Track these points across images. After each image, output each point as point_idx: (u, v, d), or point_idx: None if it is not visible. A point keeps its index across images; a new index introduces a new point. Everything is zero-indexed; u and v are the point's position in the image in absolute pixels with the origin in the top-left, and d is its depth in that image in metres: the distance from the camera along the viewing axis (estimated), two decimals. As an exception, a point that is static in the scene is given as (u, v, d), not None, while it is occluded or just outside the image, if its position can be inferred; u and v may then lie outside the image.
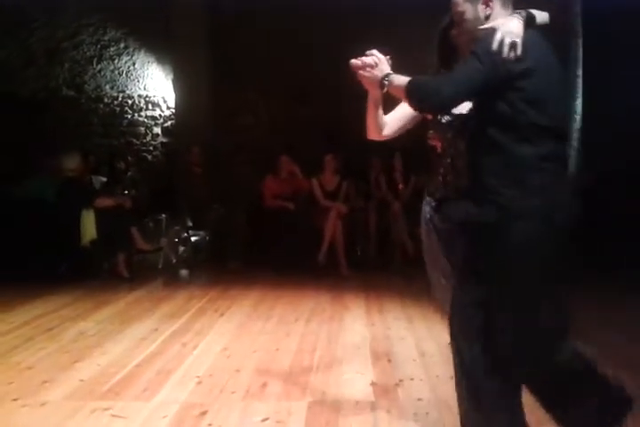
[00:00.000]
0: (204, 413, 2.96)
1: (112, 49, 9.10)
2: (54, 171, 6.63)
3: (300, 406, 3.04)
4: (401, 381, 3.35)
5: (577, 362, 2.24)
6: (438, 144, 2.65)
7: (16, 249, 6.20)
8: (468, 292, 2.17)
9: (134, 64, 9.13)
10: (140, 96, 9.16)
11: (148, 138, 9.20)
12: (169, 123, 9.15)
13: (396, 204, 7.06)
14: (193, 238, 7.45)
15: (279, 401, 3.11)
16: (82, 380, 3.40)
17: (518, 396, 2.19)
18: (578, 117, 8.53)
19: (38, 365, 3.66)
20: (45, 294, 5.52)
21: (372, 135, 2.59)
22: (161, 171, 8.76)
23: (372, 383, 3.33)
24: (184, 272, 6.97)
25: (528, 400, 2.29)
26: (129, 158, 8.01)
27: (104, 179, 7.31)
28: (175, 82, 8.80)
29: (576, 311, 5.05)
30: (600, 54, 7.99)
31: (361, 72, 2.28)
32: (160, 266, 7.02)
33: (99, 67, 9.11)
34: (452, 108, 2.27)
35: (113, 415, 2.93)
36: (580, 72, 8.54)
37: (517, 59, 2.01)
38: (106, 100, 9.15)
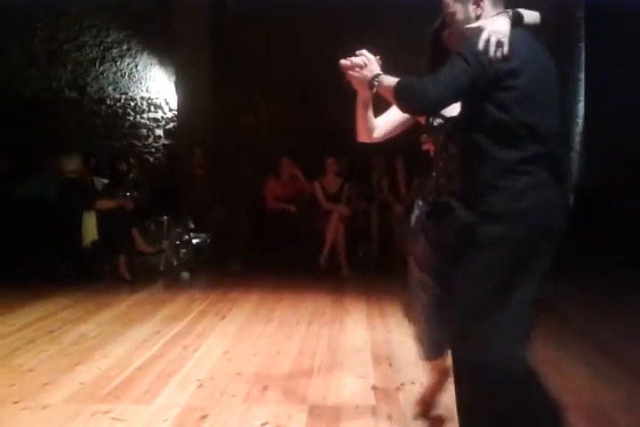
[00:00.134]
0: (204, 416, 2.96)
1: (115, 51, 9.12)
2: (55, 172, 6.64)
3: (300, 410, 3.04)
4: (402, 385, 3.35)
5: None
6: (431, 148, 2.62)
7: (17, 250, 6.21)
8: (456, 293, 2.17)
9: (137, 66, 9.14)
10: (142, 98, 9.17)
11: (150, 140, 9.21)
12: (171, 125, 9.16)
13: (398, 206, 7.06)
14: (194, 241, 7.44)
15: (280, 405, 3.11)
16: (82, 383, 3.40)
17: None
18: (580, 121, 8.55)
19: (39, 367, 3.65)
20: (46, 295, 5.52)
21: (362, 138, 2.56)
22: (163, 173, 8.77)
23: (373, 387, 3.33)
24: (185, 274, 6.96)
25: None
26: (131, 160, 8.01)
27: (106, 180, 7.32)
28: (177, 84, 8.82)
29: (577, 311, 5.10)
30: (602, 57, 7.99)
31: (350, 72, 2.26)
32: (161, 268, 7.02)
33: (101, 68, 9.13)
34: (439, 109, 2.25)
35: (113, 418, 2.93)
36: (582, 75, 8.55)
37: (504, 58, 1.99)
38: (108, 101, 9.16)
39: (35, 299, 5.38)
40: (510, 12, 2.11)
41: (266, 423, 2.88)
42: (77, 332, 4.44)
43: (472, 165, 2.14)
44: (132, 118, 9.20)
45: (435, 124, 2.47)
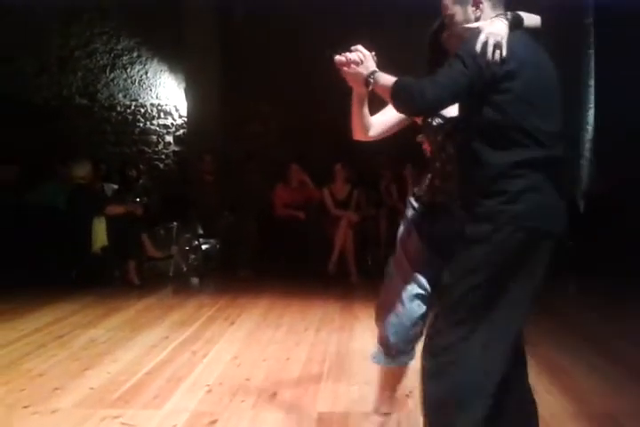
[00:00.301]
0: (213, 422, 2.95)
1: (125, 58, 9.18)
2: (66, 178, 6.67)
3: (309, 417, 3.03)
4: (411, 392, 3.32)
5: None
6: (428, 147, 2.56)
7: (27, 256, 6.24)
8: (452, 288, 2.15)
9: (147, 73, 9.20)
10: (152, 105, 9.23)
11: (160, 146, 9.26)
12: (181, 131, 9.20)
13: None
14: (204, 246, 7.46)
15: (289, 411, 3.11)
16: (92, 388, 3.40)
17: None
18: (590, 128, 8.53)
19: (49, 372, 3.66)
20: (56, 301, 5.54)
21: (358, 136, 2.51)
22: (172, 179, 8.81)
23: (383, 394, 3.31)
24: (194, 280, 6.97)
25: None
26: (140, 166, 8.04)
27: (116, 186, 7.35)
28: (187, 90, 8.86)
29: (589, 317, 5.08)
30: (612, 63, 7.97)
31: (345, 69, 2.22)
32: (170, 274, 7.04)
33: (112, 75, 9.19)
34: (437, 111, 2.23)
35: (123, 423, 2.93)
36: (592, 82, 8.54)
37: (502, 61, 1.98)
38: (118, 108, 9.22)
39: (44, 304, 5.41)
40: (509, 14, 2.09)
41: (275, 429, 2.89)
42: (87, 337, 4.45)
43: (468, 168, 2.13)
44: (142, 125, 9.25)
45: (434, 123, 2.42)
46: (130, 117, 9.24)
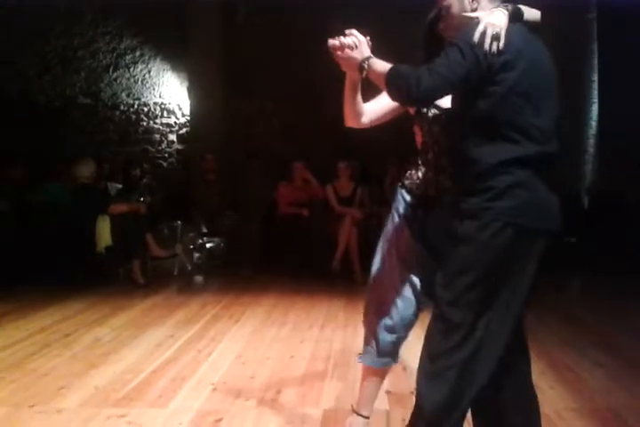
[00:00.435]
0: (218, 420, 2.96)
1: (128, 57, 9.19)
2: (69, 178, 6.68)
3: (314, 414, 3.04)
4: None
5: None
6: (419, 138, 2.49)
7: (32, 255, 6.25)
8: (445, 290, 2.13)
9: (150, 72, 9.21)
10: (155, 104, 9.24)
11: (164, 145, 9.27)
12: (184, 130, 9.21)
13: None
14: (208, 245, 7.47)
15: (294, 409, 3.11)
16: (97, 387, 3.42)
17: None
18: (594, 123, 8.51)
19: (54, 371, 3.67)
20: (61, 300, 5.55)
21: (350, 122, 2.46)
22: (176, 178, 8.82)
23: (387, 392, 3.31)
24: (199, 279, 6.98)
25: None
26: (144, 165, 8.05)
27: (119, 185, 7.36)
28: (190, 89, 8.87)
29: (592, 313, 5.08)
30: (616, 58, 7.95)
31: (339, 53, 2.17)
32: (175, 272, 7.05)
33: (115, 75, 9.21)
34: (432, 101, 2.17)
35: (128, 422, 2.94)
36: (595, 77, 8.52)
37: (499, 52, 1.95)
38: (122, 107, 9.24)
39: (49, 303, 5.42)
40: (510, 6, 2.06)
41: (280, 427, 2.89)
42: (92, 336, 4.46)
43: (458, 163, 2.11)
44: (145, 124, 9.27)
45: (429, 114, 2.36)
46: (133, 116, 9.25)
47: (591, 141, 8.57)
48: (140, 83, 9.22)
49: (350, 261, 6.80)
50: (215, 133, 8.45)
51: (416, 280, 2.45)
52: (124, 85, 9.22)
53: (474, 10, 2.12)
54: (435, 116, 2.35)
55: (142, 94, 9.24)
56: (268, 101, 8.74)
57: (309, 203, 7.26)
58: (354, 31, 2.18)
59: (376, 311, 2.52)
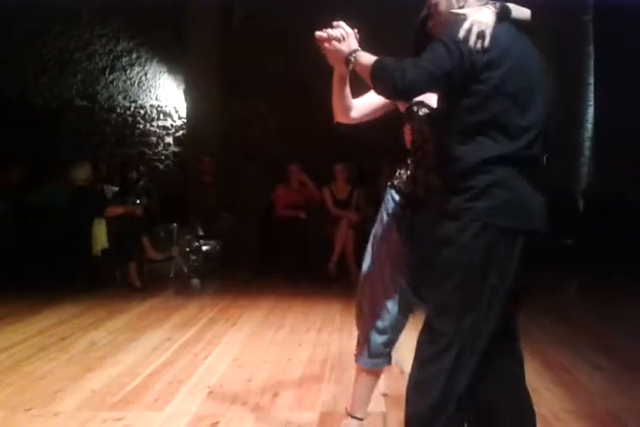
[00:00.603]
0: (215, 423, 2.96)
1: (124, 59, 9.19)
2: (66, 180, 6.67)
3: (311, 417, 3.04)
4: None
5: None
6: (409, 137, 2.46)
7: (28, 258, 6.24)
8: (429, 295, 2.13)
9: (146, 74, 9.21)
10: (151, 106, 9.24)
11: (160, 148, 9.27)
12: (180, 132, 9.21)
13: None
14: (204, 248, 7.46)
15: (291, 412, 3.11)
16: (93, 390, 3.41)
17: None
18: (590, 125, 8.52)
19: (50, 375, 3.67)
20: (57, 303, 5.54)
21: (339, 117, 2.45)
22: (172, 180, 8.82)
23: (384, 394, 3.31)
24: (195, 281, 6.97)
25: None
26: (141, 168, 8.05)
27: (116, 188, 7.35)
28: (186, 92, 8.87)
29: (589, 316, 5.09)
30: (612, 60, 7.97)
31: (326, 45, 2.15)
32: (171, 275, 7.04)
33: (111, 77, 9.20)
34: (415, 95, 2.13)
35: (125, 426, 2.94)
36: (591, 79, 8.53)
37: (484, 50, 1.94)
38: (118, 110, 9.23)
39: (45, 307, 5.41)
40: (498, 4, 2.05)
41: (277, 430, 2.89)
42: (88, 339, 4.45)
43: (444, 161, 2.09)
44: (141, 126, 9.27)
45: (420, 113, 2.35)
46: (130, 119, 9.25)
47: (587, 144, 8.59)
48: (136, 85, 9.22)
49: (346, 263, 6.80)
50: (212, 136, 8.45)
51: (405, 284, 2.45)
52: (121, 88, 9.22)
53: (461, 7, 2.11)
54: (425, 115, 2.35)
55: (139, 97, 9.24)
56: (264, 104, 8.75)
57: (306, 205, 7.26)
58: (341, 23, 2.16)
59: (367, 312, 2.52)
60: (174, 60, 9.00)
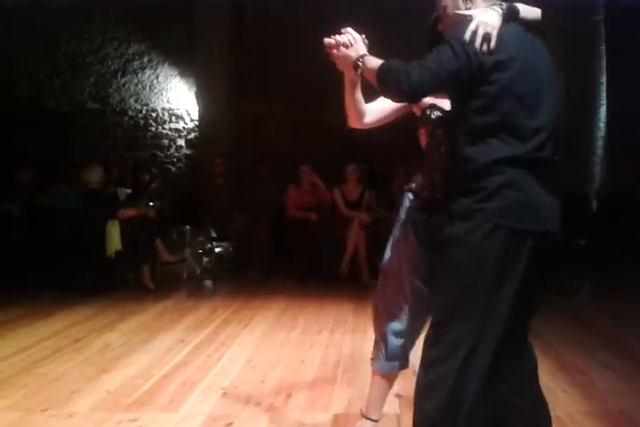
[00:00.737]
0: (229, 424, 2.97)
1: (136, 63, 9.23)
2: (78, 183, 6.72)
3: (325, 418, 3.04)
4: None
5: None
6: (424, 141, 2.48)
7: (41, 260, 6.29)
8: (437, 295, 2.12)
9: (158, 77, 9.24)
10: (163, 109, 9.27)
11: (172, 150, 9.30)
12: (192, 135, 9.24)
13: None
14: (217, 249, 7.48)
15: (304, 413, 3.12)
16: (108, 391, 3.43)
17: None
18: (602, 125, 8.48)
19: (65, 376, 3.69)
20: (70, 305, 5.57)
21: (353, 123, 2.47)
22: (185, 182, 8.85)
23: (398, 395, 3.30)
24: (208, 283, 7.00)
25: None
26: (153, 170, 8.08)
27: (128, 190, 7.39)
28: (198, 94, 8.90)
29: (602, 316, 5.06)
30: (624, 60, 7.92)
31: (334, 52, 2.18)
32: (184, 277, 7.07)
33: (123, 80, 9.24)
34: (421, 96, 2.13)
35: (139, 427, 2.96)
36: (604, 79, 8.50)
37: (490, 52, 1.94)
38: (130, 113, 9.27)
39: (59, 309, 5.44)
40: (504, 4, 2.04)
41: (291, 431, 2.90)
42: (102, 341, 4.48)
43: (451, 164, 2.10)
44: (153, 129, 9.30)
45: (432, 116, 2.36)
46: (141, 122, 9.28)
47: (600, 143, 8.54)
48: (148, 88, 9.26)
49: (358, 264, 6.80)
50: (223, 138, 8.48)
51: (422, 286, 2.44)
52: (133, 91, 9.26)
53: (468, 9, 2.11)
54: (438, 118, 2.36)
55: (150, 100, 9.27)
56: (276, 105, 8.76)
57: (317, 207, 7.27)
58: (349, 29, 2.18)
59: (383, 314, 2.53)
60: (185, 63, 9.03)
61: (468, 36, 1.94)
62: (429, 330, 2.14)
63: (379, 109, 2.47)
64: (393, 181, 7.61)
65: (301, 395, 3.36)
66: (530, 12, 2.10)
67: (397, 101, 2.28)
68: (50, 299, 5.77)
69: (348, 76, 2.29)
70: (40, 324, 4.96)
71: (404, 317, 2.48)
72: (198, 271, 7.21)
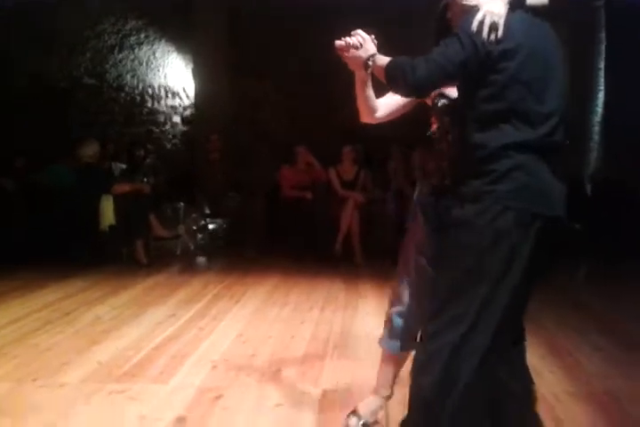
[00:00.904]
0: (218, 397, 2.99)
1: (133, 38, 9.15)
2: (74, 158, 6.70)
3: (313, 393, 3.07)
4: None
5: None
6: (435, 129, 2.50)
7: (36, 233, 6.29)
8: (441, 275, 2.14)
9: (155, 53, 9.17)
10: (160, 85, 9.21)
11: (168, 126, 9.26)
12: (188, 111, 9.20)
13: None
14: (210, 226, 7.49)
15: (293, 387, 3.14)
16: (99, 362, 3.45)
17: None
18: (599, 110, 8.47)
19: (56, 347, 3.71)
20: (64, 278, 5.59)
21: (365, 118, 2.51)
22: (180, 159, 8.83)
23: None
24: (201, 259, 7.02)
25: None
26: (148, 146, 8.06)
27: (124, 166, 7.38)
28: (195, 71, 8.85)
29: (596, 299, 5.09)
30: (624, 46, 7.90)
31: (345, 54, 2.21)
32: (178, 253, 7.08)
33: (120, 56, 9.16)
34: (429, 89, 2.17)
35: (130, 398, 2.98)
36: (602, 65, 8.47)
37: (497, 40, 1.95)
38: (127, 89, 9.20)
39: (52, 281, 5.46)
40: None
41: (279, 405, 2.92)
42: (94, 314, 4.49)
43: (460, 148, 2.12)
44: (150, 105, 9.25)
45: (439, 104, 2.39)
46: (138, 98, 9.23)
47: (596, 129, 8.54)
48: (144, 64, 9.19)
49: (351, 244, 6.82)
50: (220, 115, 8.44)
51: (427, 264, 2.46)
52: (129, 67, 9.19)
53: None
54: (444, 106, 2.38)
55: (147, 76, 9.21)
56: (273, 84, 8.72)
57: (312, 186, 7.27)
58: (359, 31, 2.23)
59: (392, 296, 2.59)
60: (183, 40, 8.97)
61: (475, 26, 1.95)
62: (430, 307, 2.16)
63: (389, 103, 2.52)
64: (389, 162, 7.60)
65: (291, 369, 3.39)
66: None
67: (406, 96, 2.32)
68: (43, 271, 5.78)
69: (359, 75, 2.33)
70: (32, 296, 4.97)
71: (406, 298, 2.52)
72: (192, 248, 7.22)
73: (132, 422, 2.74)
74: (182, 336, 3.96)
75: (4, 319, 4.27)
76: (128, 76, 9.19)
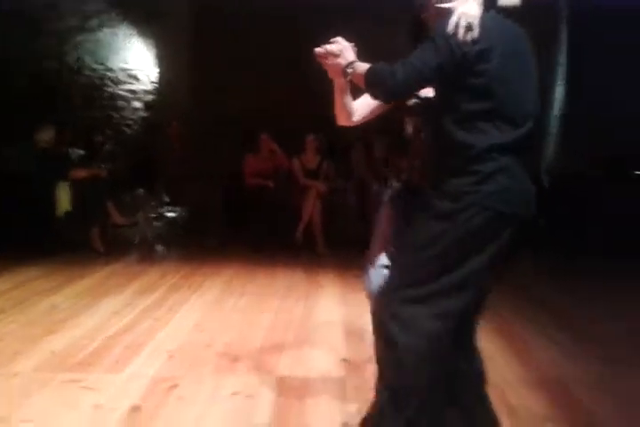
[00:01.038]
0: (174, 386, 2.98)
1: (94, 20, 8.93)
2: (30, 142, 6.55)
3: (270, 381, 3.07)
4: (372, 357, 3.37)
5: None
6: (409, 127, 2.58)
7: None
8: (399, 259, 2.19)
9: (116, 36, 8.98)
10: (121, 69, 9.03)
11: (128, 112, 9.10)
12: (150, 97, 9.05)
13: (375, 185, 7.06)
14: (169, 214, 7.41)
15: (250, 376, 3.14)
16: (53, 352, 3.40)
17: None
18: (557, 104, 8.60)
19: (9, 336, 3.64)
20: (17, 266, 5.47)
21: (342, 122, 2.55)
22: (140, 145, 8.68)
23: (344, 360, 3.37)
24: (159, 248, 6.94)
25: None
26: (107, 131, 7.92)
27: (82, 152, 7.23)
28: (157, 56, 8.70)
29: (549, 291, 5.17)
30: (585, 41, 8.01)
31: (325, 61, 2.24)
32: (136, 241, 6.99)
33: (80, 38, 8.95)
34: (408, 93, 2.21)
35: (84, 387, 2.94)
36: (563, 59, 8.59)
37: (473, 42, 1.98)
38: (87, 72, 9.00)
39: (5, 269, 5.33)
40: None
41: (236, 393, 2.92)
42: (48, 303, 4.41)
43: (442, 150, 2.14)
44: (110, 90, 9.07)
45: (411, 103, 2.43)
46: (98, 82, 9.04)
47: (555, 123, 8.67)
48: (106, 47, 8.99)
49: (313, 233, 6.83)
50: (182, 101, 8.34)
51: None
52: (90, 49, 8.99)
53: (449, 1, 2.14)
54: (416, 105, 2.43)
55: (107, 59, 9.02)
56: (238, 70, 8.61)
57: (275, 174, 7.25)
58: (339, 39, 2.25)
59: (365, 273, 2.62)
60: (145, 23, 8.80)
61: (450, 28, 1.98)
62: (387, 283, 2.24)
63: (366, 104, 2.54)
64: (352, 152, 7.62)
65: (248, 358, 3.38)
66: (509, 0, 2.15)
67: (386, 102, 2.35)
68: (-4, 259, 5.66)
69: (338, 83, 2.36)
70: (-17, 284, 4.86)
71: (367, 283, 2.59)
72: (150, 236, 7.13)
73: (87, 411, 2.71)
74: (138, 326, 3.91)
75: (-47, 308, 4.18)
76: (88, 59, 8.99)
